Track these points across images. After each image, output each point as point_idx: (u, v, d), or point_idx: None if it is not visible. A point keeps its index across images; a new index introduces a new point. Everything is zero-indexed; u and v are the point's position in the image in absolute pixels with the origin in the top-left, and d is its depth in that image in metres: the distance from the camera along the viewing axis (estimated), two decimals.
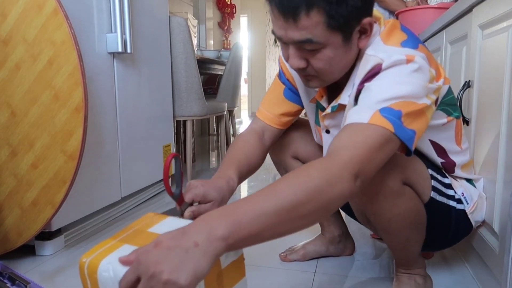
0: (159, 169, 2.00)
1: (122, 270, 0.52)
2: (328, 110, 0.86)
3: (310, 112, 1.00)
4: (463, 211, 0.90)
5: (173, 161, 0.76)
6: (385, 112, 0.66)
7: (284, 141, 1.10)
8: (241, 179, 0.89)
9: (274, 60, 7.22)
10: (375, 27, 0.79)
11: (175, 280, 0.48)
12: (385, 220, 0.85)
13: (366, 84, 0.73)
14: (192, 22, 4.13)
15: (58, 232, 1.33)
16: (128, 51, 1.58)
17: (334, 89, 0.87)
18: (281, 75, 1.01)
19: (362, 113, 0.67)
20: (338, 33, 0.70)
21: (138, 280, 0.50)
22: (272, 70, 7.16)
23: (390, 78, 0.70)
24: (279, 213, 0.55)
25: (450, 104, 0.86)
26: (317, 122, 0.97)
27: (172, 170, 1.87)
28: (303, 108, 1.01)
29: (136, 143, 1.78)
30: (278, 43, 7.77)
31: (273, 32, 0.74)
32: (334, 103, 0.84)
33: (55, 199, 1.16)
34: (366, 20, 0.72)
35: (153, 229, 0.63)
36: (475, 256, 1.09)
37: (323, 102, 0.89)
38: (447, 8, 1.59)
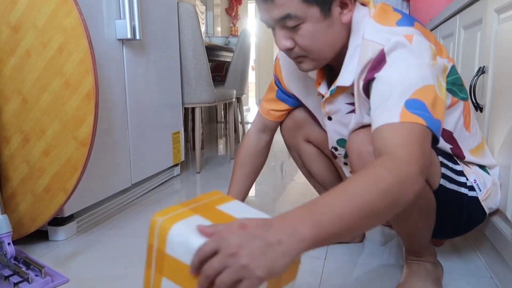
0: (168, 156, 2.01)
1: (195, 239, 0.52)
2: (327, 94, 0.88)
3: (316, 107, 1.03)
4: (476, 198, 0.89)
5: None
6: (411, 107, 0.66)
7: (297, 123, 1.12)
8: (241, 196, 1.12)
9: None
10: (364, 9, 0.81)
11: (252, 269, 0.48)
12: None
13: (376, 75, 0.73)
14: (200, 8, 4.09)
15: (71, 218, 1.35)
16: (137, 37, 1.58)
17: (330, 75, 0.89)
18: (275, 78, 1.07)
19: (390, 112, 0.66)
20: (315, 6, 0.73)
21: (214, 253, 0.49)
22: None
23: (399, 65, 0.70)
24: (355, 214, 0.54)
25: (455, 84, 0.84)
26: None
27: None
28: (292, 107, 1.09)
29: (146, 130, 1.78)
30: None
31: (261, 20, 0.79)
32: (332, 87, 0.86)
33: (67, 185, 1.17)
34: None
35: (221, 208, 0.63)
36: (487, 244, 1.08)
37: (321, 89, 0.91)
38: None
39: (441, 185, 0.86)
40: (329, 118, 0.95)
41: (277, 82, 1.07)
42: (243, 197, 1.14)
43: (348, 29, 0.81)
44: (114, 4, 1.50)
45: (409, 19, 0.78)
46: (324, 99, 0.90)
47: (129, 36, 1.53)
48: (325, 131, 1.09)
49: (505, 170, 0.92)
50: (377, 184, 0.56)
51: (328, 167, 1.17)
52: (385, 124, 0.66)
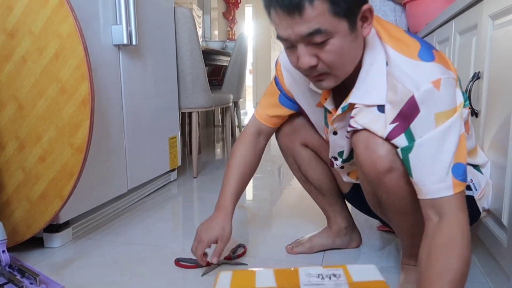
0: (165, 161, 2.01)
1: None
2: (339, 111, 0.86)
3: (316, 115, 1.03)
4: (472, 197, 0.90)
5: None
6: (457, 174, 0.75)
7: (294, 127, 1.12)
8: (237, 199, 1.11)
9: (280, 51, 7.17)
10: (373, 28, 0.80)
11: None
12: (397, 199, 0.84)
13: (418, 141, 0.75)
14: (197, 12, 4.10)
15: (66, 224, 1.34)
16: (134, 43, 1.58)
17: (338, 90, 0.88)
18: (277, 82, 1.05)
19: (444, 183, 0.74)
20: (344, 19, 0.70)
21: None
22: None
23: (435, 129, 0.74)
24: None
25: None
26: (326, 124, 0.98)
27: None
28: (296, 111, 1.08)
29: (142, 135, 1.78)
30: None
31: (278, 37, 0.75)
32: (344, 104, 0.84)
33: (63, 191, 1.16)
34: (365, 6, 0.73)
35: None
36: (483, 249, 1.08)
37: (328, 105, 0.90)
38: None
39: None
40: (335, 133, 0.94)
41: (279, 85, 1.05)
42: (238, 198, 1.11)
43: (364, 44, 0.80)
44: (111, 10, 1.50)
45: (428, 48, 0.78)
46: (335, 116, 0.88)
47: (125, 42, 1.53)
48: (321, 136, 1.10)
49: (500, 175, 0.92)
50: (463, 258, 0.71)
51: (325, 171, 1.16)
52: (443, 197, 0.75)
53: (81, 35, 1.12)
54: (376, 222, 1.44)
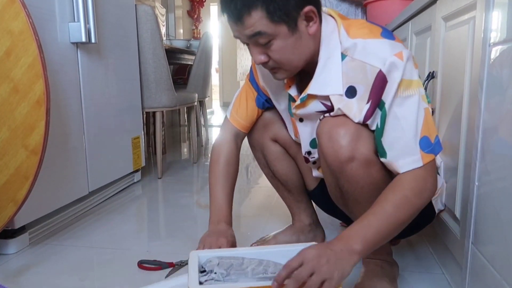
0: (128, 162, 1.96)
1: None
2: (298, 101, 0.91)
3: (285, 114, 1.05)
4: None
5: None
6: (424, 146, 0.81)
7: (265, 122, 1.13)
8: (231, 206, 1.10)
9: (245, 50, 7.15)
10: (331, 22, 0.86)
11: (332, 271, 0.70)
12: (358, 188, 0.87)
13: (391, 110, 0.81)
14: (160, 10, 4.04)
15: (22, 229, 1.28)
16: (93, 41, 1.53)
17: (302, 78, 0.92)
18: (252, 80, 1.08)
19: (412, 157, 0.81)
20: (282, 24, 0.79)
21: (300, 265, 0.70)
22: (244, 60, 7.10)
23: (403, 100, 0.80)
24: (391, 231, 0.78)
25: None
26: (291, 113, 1.00)
27: None
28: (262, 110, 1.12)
29: (104, 136, 1.73)
30: None
31: (234, 37, 0.85)
32: (302, 95, 0.89)
33: (17, 195, 1.11)
34: (307, 8, 0.80)
35: None
36: (439, 241, 1.13)
37: (292, 91, 0.94)
38: None
39: None
40: (301, 120, 0.98)
41: (255, 83, 1.08)
42: (231, 205, 1.10)
43: (317, 39, 0.85)
44: (68, 6, 1.45)
45: (388, 32, 0.85)
46: (295, 104, 0.93)
47: (83, 40, 1.48)
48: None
49: (452, 170, 0.96)
50: (407, 207, 0.78)
51: (292, 167, 1.18)
52: (413, 169, 0.81)
53: (34, 33, 1.07)
54: (339, 220, 1.47)
